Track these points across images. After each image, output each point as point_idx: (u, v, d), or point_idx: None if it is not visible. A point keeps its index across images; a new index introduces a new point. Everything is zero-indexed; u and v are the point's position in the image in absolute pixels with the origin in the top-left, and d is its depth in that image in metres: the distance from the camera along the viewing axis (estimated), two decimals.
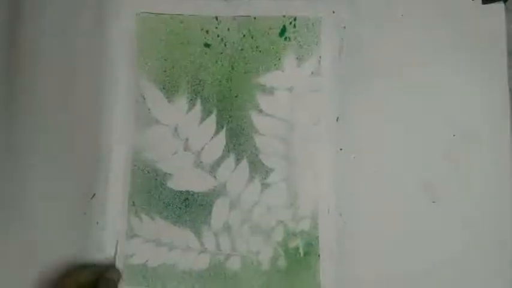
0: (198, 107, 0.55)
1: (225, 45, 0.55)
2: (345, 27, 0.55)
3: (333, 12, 0.55)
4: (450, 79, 0.54)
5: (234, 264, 0.54)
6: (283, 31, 0.55)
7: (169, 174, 0.54)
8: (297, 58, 0.55)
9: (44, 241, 0.53)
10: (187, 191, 0.54)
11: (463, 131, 0.53)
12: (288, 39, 0.55)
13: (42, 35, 0.54)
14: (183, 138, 0.54)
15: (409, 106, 0.54)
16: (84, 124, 0.54)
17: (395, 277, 0.52)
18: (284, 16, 0.55)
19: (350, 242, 0.53)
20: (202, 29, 0.55)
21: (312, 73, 0.55)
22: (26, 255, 0.53)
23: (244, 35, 0.55)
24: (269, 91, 0.55)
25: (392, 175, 0.54)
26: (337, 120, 0.54)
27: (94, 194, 0.53)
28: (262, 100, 0.55)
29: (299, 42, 0.55)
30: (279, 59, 0.55)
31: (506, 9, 0.54)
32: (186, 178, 0.54)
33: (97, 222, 0.53)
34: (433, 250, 0.53)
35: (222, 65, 0.55)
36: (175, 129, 0.54)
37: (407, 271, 0.52)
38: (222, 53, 0.55)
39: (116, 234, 0.53)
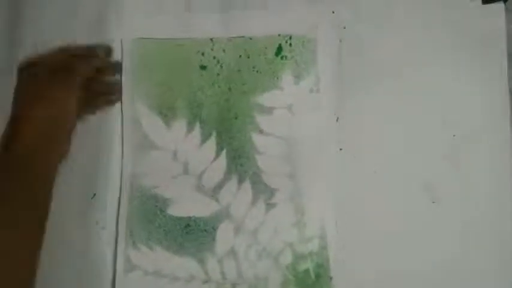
0: (197, 130, 0.54)
1: (221, 66, 0.54)
2: (345, 28, 0.55)
3: (333, 12, 0.55)
4: (450, 79, 0.54)
5: None
6: (279, 50, 0.55)
7: (169, 199, 0.53)
8: (295, 76, 0.54)
9: (44, 241, 0.50)
10: (189, 217, 0.52)
11: (463, 131, 0.53)
12: (284, 57, 0.54)
13: (42, 36, 0.54)
14: (183, 162, 0.53)
15: (409, 106, 0.53)
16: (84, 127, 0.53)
17: (396, 277, 0.51)
18: (279, 35, 0.55)
19: (350, 241, 0.52)
20: (198, 52, 0.55)
21: (311, 91, 0.54)
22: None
23: (240, 56, 0.55)
24: (268, 111, 0.54)
25: (393, 175, 0.53)
26: (337, 120, 0.53)
27: (94, 194, 0.52)
28: (262, 120, 0.54)
29: (296, 60, 0.54)
30: (277, 78, 0.54)
31: (506, 9, 0.53)
32: (187, 203, 0.52)
33: (97, 222, 0.52)
34: (433, 250, 0.52)
35: (219, 86, 0.54)
36: (175, 154, 0.53)
37: (407, 271, 0.51)
38: (218, 74, 0.54)
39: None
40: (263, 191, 0.52)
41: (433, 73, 0.54)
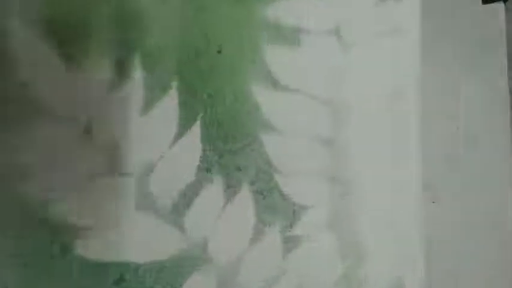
0: None
1: None
2: None
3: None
4: (450, 79, 0.54)
5: None
6: None
7: None
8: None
9: None
10: None
11: (463, 131, 0.54)
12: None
13: None
14: None
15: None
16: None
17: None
18: None
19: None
20: None
21: None
22: None
23: None
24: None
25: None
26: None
27: None
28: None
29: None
30: None
31: (506, 9, 0.54)
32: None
33: None
34: (433, 250, 0.51)
35: None
36: None
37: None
38: None
39: None
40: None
41: (433, 73, 0.54)
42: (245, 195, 0.35)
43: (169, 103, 0.33)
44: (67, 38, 0.32)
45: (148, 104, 0.32)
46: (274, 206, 0.36)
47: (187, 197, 0.33)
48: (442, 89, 0.54)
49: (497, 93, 0.54)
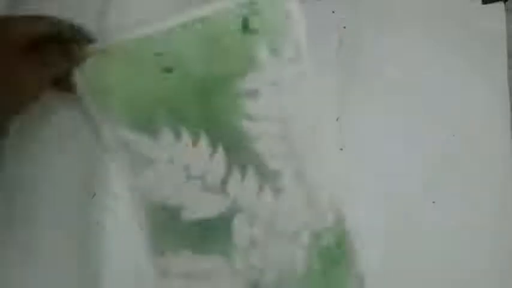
0: (184, 134, 0.51)
1: (186, 62, 0.50)
2: (345, 27, 0.54)
3: (333, 12, 0.54)
4: (450, 79, 0.54)
5: (270, 277, 0.51)
6: (245, 23, 0.50)
7: (180, 206, 0.51)
8: (271, 49, 0.51)
9: (44, 241, 0.51)
10: (203, 219, 0.51)
11: (463, 131, 0.54)
12: (254, 31, 0.51)
13: None
14: (182, 168, 0.51)
15: (409, 106, 0.54)
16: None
17: (395, 277, 0.53)
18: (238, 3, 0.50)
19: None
20: (155, 53, 0.50)
21: (290, 60, 0.51)
22: (26, 254, 0.51)
23: (203, 43, 0.50)
24: (253, 94, 0.51)
25: (393, 175, 0.54)
26: (337, 120, 0.53)
27: (94, 194, 0.51)
28: (249, 105, 0.51)
29: (267, 29, 0.50)
30: (251, 56, 0.51)
31: (506, 9, 0.54)
32: (197, 206, 0.51)
33: (97, 222, 0.51)
34: (433, 251, 0.53)
35: (193, 83, 0.51)
36: (171, 162, 0.51)
37: (406, 272, 0.53)
38: (187, 72, 0.50)
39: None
40: (268, 176, 0.51)
41: (433, 73, 0.54)
42: None
43: None
44: None
45: None
46: None
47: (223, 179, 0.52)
48: (442, 89, 0.54)
49: (497, 93, 0.54)
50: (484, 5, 0.54)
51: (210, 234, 0.51)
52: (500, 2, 0.54)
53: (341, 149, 0.53)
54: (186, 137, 0.51)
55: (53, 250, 0.51)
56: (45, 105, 0.51)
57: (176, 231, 0.51)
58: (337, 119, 0.53)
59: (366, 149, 0.53)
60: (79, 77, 0.49)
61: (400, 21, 0.54)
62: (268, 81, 0.51)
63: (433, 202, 0.53)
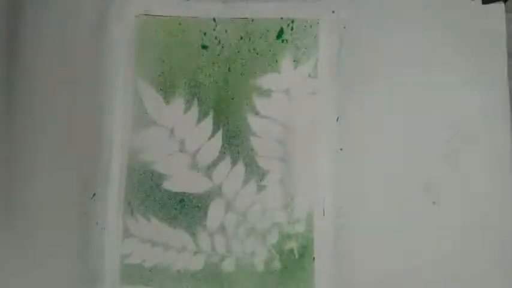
0: (194, 108, 0.55)
1: (223, 47, 0.55)
2: (344, 27, 0.55)
3: (333, 12, 0.55)
4: (450, 79, 0.53)
5: (229, 265, 0.54)
6: (280, 33, 0.55)
7: (165, 175, 0.55)
8: (294, 60, 0.55)
9: (44, 241, 0.53)
10: (183, 193, 0.54)
11: (463, 131, 0.53)
12: (285, 41, 0.55)
13: (42, 35, 0.55)
14: (179, 140, 0.55)
15: (409, 106, 0.54)
16: (83, 124, 0.55)
17: (395, 278, 0.52)
18: (282, 18, 0.55)
19: (348, 243, 0.53)
20: (200, 31, 0.55)
21: (309, 75, 0.55)
22: (26, 255, 0.53)
23: (241, 37, 0.55)
24: (266, 93, 0.55)
25: (393, 175, 0.53)
26: (337, 120, 0.54)
27: (94, 194, 0.53)
28: (259, 102, 0.55)
29: (296, 44, 0.55)
30: (276, 61, 0.55)
31: (506, 9, 0.53)
32: (181, 180, 0.54)
33: (97, 223, 0.53)
34: (433, 251, 0.52)
35: (219, 67, 0.55)
36: (172, 131, 0.55)
37: (406, 272, 0.52)
38: (219, 55, 0.55)
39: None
40: (255, 172, 0.54)
41: (433, 73, 0.54)
42: None
43: None
44: None
45: None
46: None
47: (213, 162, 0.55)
48: (442, 89, 0.53)
49: (497, 93, 0.53)
50: (484, 5, 0.53)
51: (185, 209, 0.54)
52: (500, 2, 0.52)
53: (341, 149, 0.54)
54: (194, 112, 0.55)
55: (53, 250, 0.53)
56: (48, 101, 0.55)
57: (153, 197, 0.54)
58: (337, 119, 0.54)
59: (366, 149, 0.54)
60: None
61: (400, 21, 0.54)
62: (283, 87, 0.55)
63: (433, 202, 0.52)
